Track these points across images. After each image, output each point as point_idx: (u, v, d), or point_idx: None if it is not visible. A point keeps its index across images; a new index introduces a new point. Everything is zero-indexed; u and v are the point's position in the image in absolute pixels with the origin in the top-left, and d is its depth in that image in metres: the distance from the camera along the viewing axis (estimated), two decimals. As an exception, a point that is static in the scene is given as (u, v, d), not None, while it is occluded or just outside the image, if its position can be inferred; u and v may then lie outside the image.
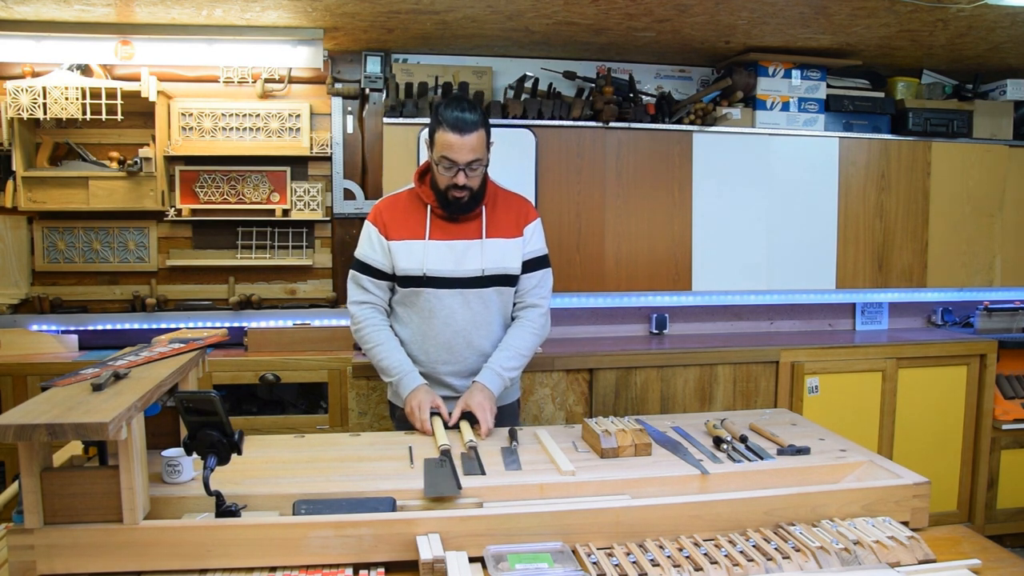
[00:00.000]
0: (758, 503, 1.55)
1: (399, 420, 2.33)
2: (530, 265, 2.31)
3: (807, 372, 3.35)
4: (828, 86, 3.58)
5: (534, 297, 2.32)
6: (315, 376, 3.11)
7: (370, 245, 2.26)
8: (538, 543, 1.44)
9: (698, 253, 3.50)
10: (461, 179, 2.13)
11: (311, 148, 3.44)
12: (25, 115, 3.11)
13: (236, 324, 3.35)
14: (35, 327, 3.23)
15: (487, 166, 2.22)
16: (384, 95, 3.40)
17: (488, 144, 2.19)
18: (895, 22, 3.00)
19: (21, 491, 1.36)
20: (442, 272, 2.20)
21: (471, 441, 1.89)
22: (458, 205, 2.18)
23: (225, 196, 3.40)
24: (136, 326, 3.31)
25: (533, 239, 2.32)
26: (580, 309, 3.66)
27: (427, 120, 3.18)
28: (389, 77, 3.38)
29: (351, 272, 2.30)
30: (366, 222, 2.30)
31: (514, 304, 2.34)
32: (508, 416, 2.37)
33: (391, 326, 2.31)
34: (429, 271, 2.19)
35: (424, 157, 2.28)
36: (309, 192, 3.43)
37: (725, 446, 1.86)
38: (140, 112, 3.29)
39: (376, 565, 1.42)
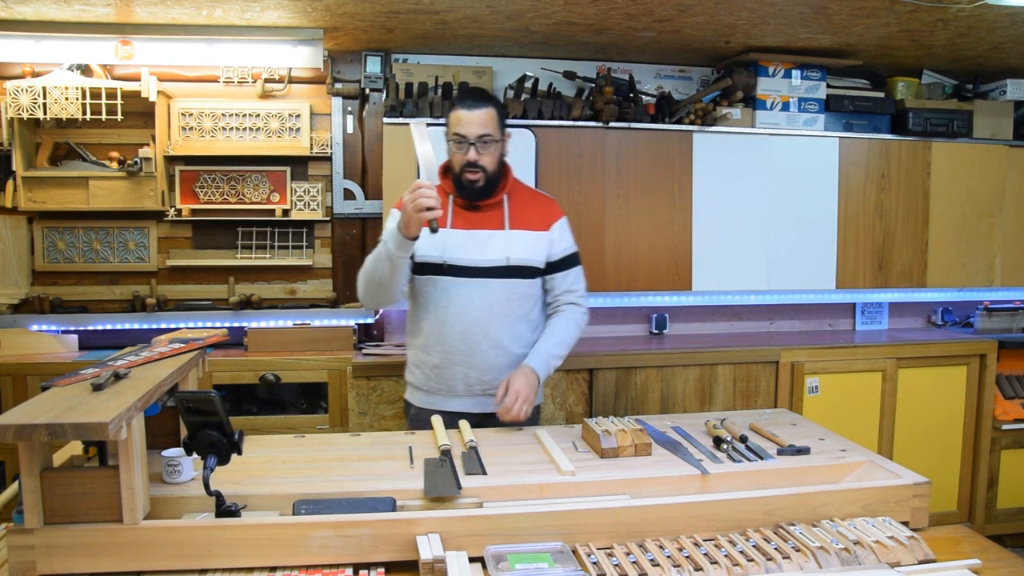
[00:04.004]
0: (758, 503, 1.55)
1: (412, 419, 2.33)
2: (563, 263, 2.33)
3: (807, 372, 3.35)
4: (828, 86, 3.58)
5: (573, 296, 2.35)
6: (315, 376, 3.11)
7: (393, 223, 2.21)
8: (538, 543, 1.44)
9: (698, 253, 3.50)
10: (472, 154, 2.15)
11: (311, 148, 3.44)
12: (25, 115, 3.11)
13: (236, 324, 3.34)
14: (35, 327, 3.23)
15: (504, 154, 2.25)
16: (384, 95, 3.40)
17: (502, 128, 2.22)
18: (895, 22, 3.00)
19: (21, 491, 1.36)
20: (462, 260, 2.20)
21: (471, 441, 1.89)
22: (473, 189, 2.19)
23: (225, 196, 3.40)
24: (136, 326, 3.31)
25: (563, 237, 2.33)
26: (580, 309, 3.66)
27: (428, 120, 3.18)
28: (389, 77, 3.38)
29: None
30: (391, 209, 2.27)
31: (548, 303, 2.36)
32: (530, 419, 2.38)
33: (412, 322, 2.33)
34: (449, 259, 2.20)
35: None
36: (309, 192, 3.43)
37: (725, 446, 1.86)
38: (140, 112, 3.29)
39: (376, 565, 1.42)
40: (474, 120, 2.15)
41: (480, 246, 2.22)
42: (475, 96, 2.21)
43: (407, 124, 2.10)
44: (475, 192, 2.20)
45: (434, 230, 1.97)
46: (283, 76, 3.43)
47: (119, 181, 3.28)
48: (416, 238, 2.03)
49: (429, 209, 1.95)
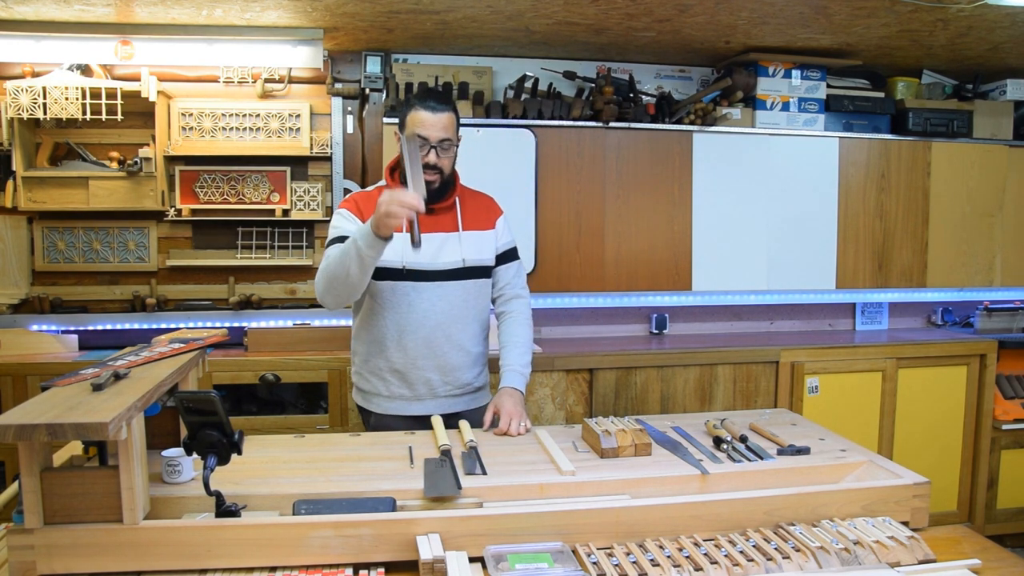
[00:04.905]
0: (758, 503, 1.55)
1: (373, 427, 2.31)
2: (506, 257, 2.34)
3: (807, 372, 3.35)
4: (828, 86, 3.58)
5: (516, 288, 2.36)
6: (315, 376, 3.11)
7: (346, 221, 2.18)
8: (538, 543, 1.44)
9: (698, 253, 3.50)
10: (432, 157, 2.13)
11: (311, 148, 3.44)
12: (25, 115, 3.11)
13: (236, 324, 3.35)
14: (35, 327, 3.23)
15: (455, 159, 2.23)
16: (384, 95, 3.40)
17: (458, 132, 2.20)
18: (895, 22, 3.00)
19: (21, 491, 1.36)
20: (420, 264, 2.18)
21: (471, 441, 1.89)
22: (428, 190, 2.13)
23: (225, 196, 3.40)
24: (136, 326, 3.31)
25: (506, 231, 2.36)
26: (580, 309, 3.66)
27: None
28: (389, 77, 3.38)
29: (325, 254, 2.15)
30: (338, 209, 2.24)
31: (494, 299, 2.36)
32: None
33: (364, 327, 2.27)
34: (408, 264, 2.17)
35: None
36: (309, 192, 3.43)
37: (725, 446, 1.86)
38: (140, 112, 3.29)
39: (376, 565, 1.42)
40: (437, 123, 2.12)
41: (437, 249, 2.21)
42: (437, 98, 2.16)
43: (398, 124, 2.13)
44: (429, 194, 2.14)
45: (416, 244, 1.93)
46: (283, 76, 3.43)
47: (119, 181, 3.28)
48: (389, 238, 1.93)
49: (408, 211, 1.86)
